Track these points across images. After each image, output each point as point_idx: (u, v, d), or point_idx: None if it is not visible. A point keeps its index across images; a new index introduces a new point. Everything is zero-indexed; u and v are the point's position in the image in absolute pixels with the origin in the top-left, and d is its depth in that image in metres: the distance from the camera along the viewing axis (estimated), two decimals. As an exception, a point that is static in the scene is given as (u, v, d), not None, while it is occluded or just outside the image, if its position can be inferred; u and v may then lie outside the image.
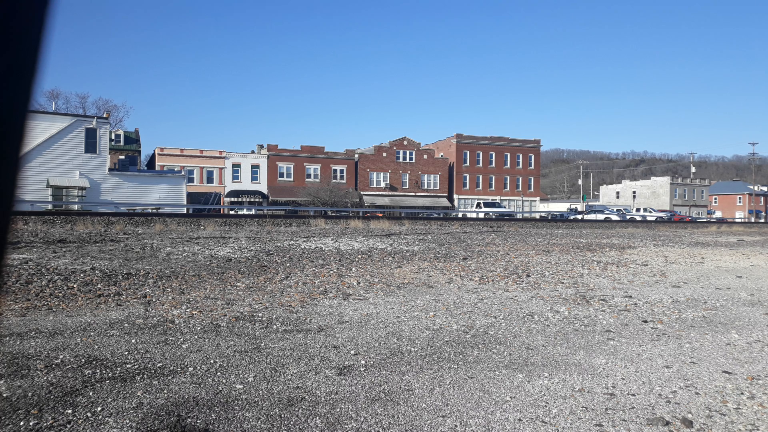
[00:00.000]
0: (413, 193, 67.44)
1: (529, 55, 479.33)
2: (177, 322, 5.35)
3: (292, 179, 62.65)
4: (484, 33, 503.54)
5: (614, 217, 45.26)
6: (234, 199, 58.20)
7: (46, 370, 3.69)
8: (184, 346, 4.46)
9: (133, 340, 4.59)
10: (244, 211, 44.76)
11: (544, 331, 5.30)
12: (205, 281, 7.90)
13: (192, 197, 47.96)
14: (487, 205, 51.26)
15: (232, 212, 41.99)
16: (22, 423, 2.85)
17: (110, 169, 38.80)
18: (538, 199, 75.55)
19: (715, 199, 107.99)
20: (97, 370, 3.74)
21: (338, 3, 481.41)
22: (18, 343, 4.41)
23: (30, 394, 3.24)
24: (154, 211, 30.75)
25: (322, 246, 12.45)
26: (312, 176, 63.33)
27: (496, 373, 3.93)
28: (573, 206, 72.18)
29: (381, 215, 33.36)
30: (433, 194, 68.36)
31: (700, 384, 3.76)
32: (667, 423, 3.06)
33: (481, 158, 71.67)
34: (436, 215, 42.41)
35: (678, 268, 10.92)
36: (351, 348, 4.52)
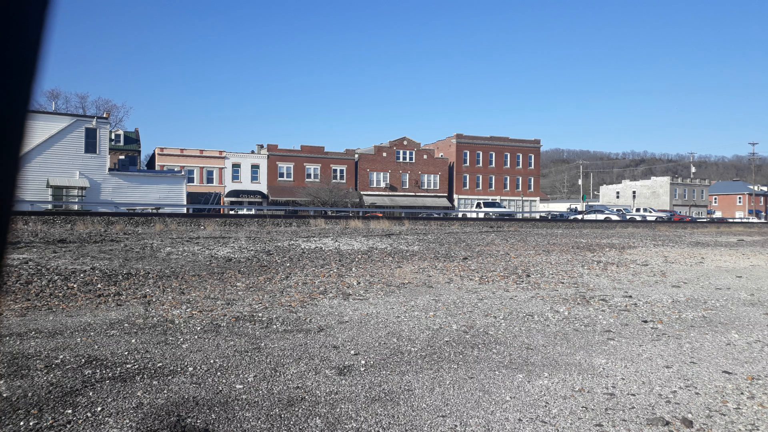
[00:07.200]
0: (413, 193, 67.43)
1: (529, 55, 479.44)
2: (177, 322, 5.35)
3: (292, 179, 62.64)
4: (484, 33, 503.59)
5: (614, 217, 45.25)
6: (234, 199, 58.19)
7: (46, 370, 3.69)
8: (184, 346, 4.46)
9: (133, 340, 4.59)
10: (244, 211, 44.74)
11: (544, 331, 5.30)
12: (205, 281, 7.90)
13: (192, 197, 47.95)
14: (487, 205, 51.25)
15: (232, 212, 41.98)
16: (22, 423, 2.85)
17: (110, 169, 38.79)
18: (538, 199, 75.54)
19: (715, 199, 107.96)
20: (97, 370, 3.74)
21: (338, 3, 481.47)
22: (18, 343, 4.41)
23: (30, 394, 3.24)
24: (154, 211, 30.75)
25: (322, 246, 12.44)
26: (312, 176, 63.32)
27: (496, 373, 3.93)
28: (573, 206, 72.14)
29: (381, 215, 33.34)
30: (433, 194, 68.35)
31: (700, 384, 3.76)
32: (667, 423, 3.06)
33: (481, 158, 71.66)
34: (436, 215, 42.40)
35: (678, 268, 10.92)
36: (351, 348, 4.52)
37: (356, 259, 10.60)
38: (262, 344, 4.57)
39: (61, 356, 4.04)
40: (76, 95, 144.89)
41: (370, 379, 3.73)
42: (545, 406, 3.31)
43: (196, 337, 4.78)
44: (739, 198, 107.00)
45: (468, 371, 3.95)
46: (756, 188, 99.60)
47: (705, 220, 57.31)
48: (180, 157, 58.30)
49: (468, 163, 71.01)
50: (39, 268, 8.12)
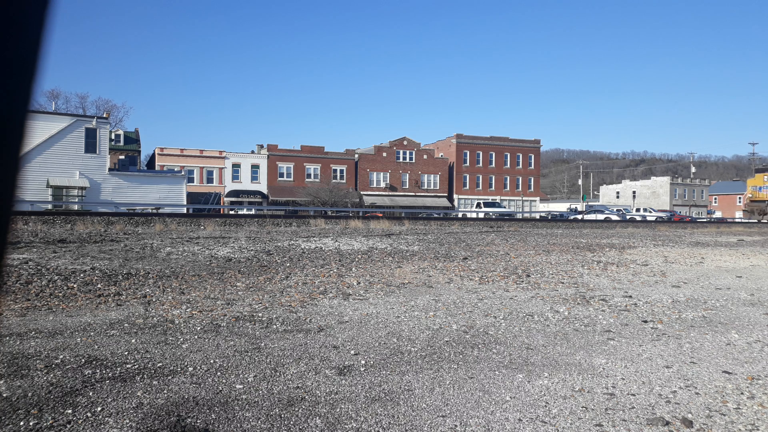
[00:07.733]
0: (413, 193, 67.43)
1: (529, 55, 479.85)
2: (177, 322, 5.35)
3: (292, 179, 62.64)
4: (484, 33, 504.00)
5: (614, 217, 45.24)
6: (234, 199, 58.19)
7: (46, 370, 3.69)
8: (184, 346, 4.46)
9: (133, 340, 4.59)
10: (244, 211, 44.74)
11: (544, 331, 5.29)
12: (205, 281, 7.90)
13: (192, 197, 47.95)
14: (487, 205, 51.24)
15: (232, 212, 41.98)
16: (22, 423, 2.85)
17: (110, 169, 38.80)
18: (538, 199, 75.54)
19: (715, 199, 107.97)
20: (97, 370, 3.74)
21: (338, 3, 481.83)
22: (18, 343, 4.41)
23: (30, 394, 3.24)
24: (154, 211, 30.75)
25: (322, 246, 12.44)
26: (312, 176, 63.32)
27: (496, 373, 3.93)
28: (573, 206, 72.12)
29: (381, 215, 33.32)
30: (433, 194, 68.35)
31: (700, 384, 3.76)
32: (667, 423, 3.06)
33: (481, 158, 71.66)
34: (436, 215, 42.39)
35: (678, 268, 10.92)
36: (351, 348, 4.52)
37: (356, 259, 10.60)
38: (262, 344, 4.57)
39: (61, 356, 4.04)
40: (76, 95, 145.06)
41: (370, 379, 3.73)
42: (545, 406, 3.31)
43: (196, 337, 4.78)
44: (739, 198, 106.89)
45: (468, 371, 3.95)
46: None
47: (705, 220, 57.30)
48: (180, 157, 58.29)
49: (468, 163, 71.01)
50: (39, 268, 8.12)
